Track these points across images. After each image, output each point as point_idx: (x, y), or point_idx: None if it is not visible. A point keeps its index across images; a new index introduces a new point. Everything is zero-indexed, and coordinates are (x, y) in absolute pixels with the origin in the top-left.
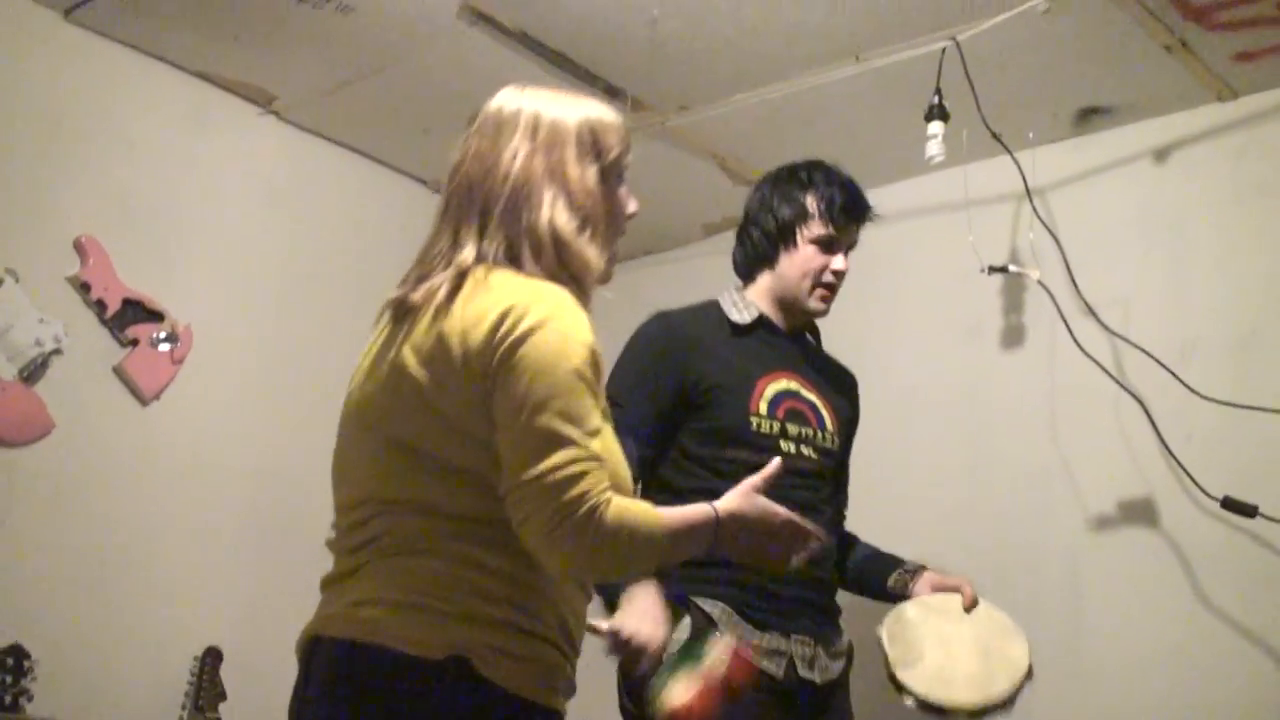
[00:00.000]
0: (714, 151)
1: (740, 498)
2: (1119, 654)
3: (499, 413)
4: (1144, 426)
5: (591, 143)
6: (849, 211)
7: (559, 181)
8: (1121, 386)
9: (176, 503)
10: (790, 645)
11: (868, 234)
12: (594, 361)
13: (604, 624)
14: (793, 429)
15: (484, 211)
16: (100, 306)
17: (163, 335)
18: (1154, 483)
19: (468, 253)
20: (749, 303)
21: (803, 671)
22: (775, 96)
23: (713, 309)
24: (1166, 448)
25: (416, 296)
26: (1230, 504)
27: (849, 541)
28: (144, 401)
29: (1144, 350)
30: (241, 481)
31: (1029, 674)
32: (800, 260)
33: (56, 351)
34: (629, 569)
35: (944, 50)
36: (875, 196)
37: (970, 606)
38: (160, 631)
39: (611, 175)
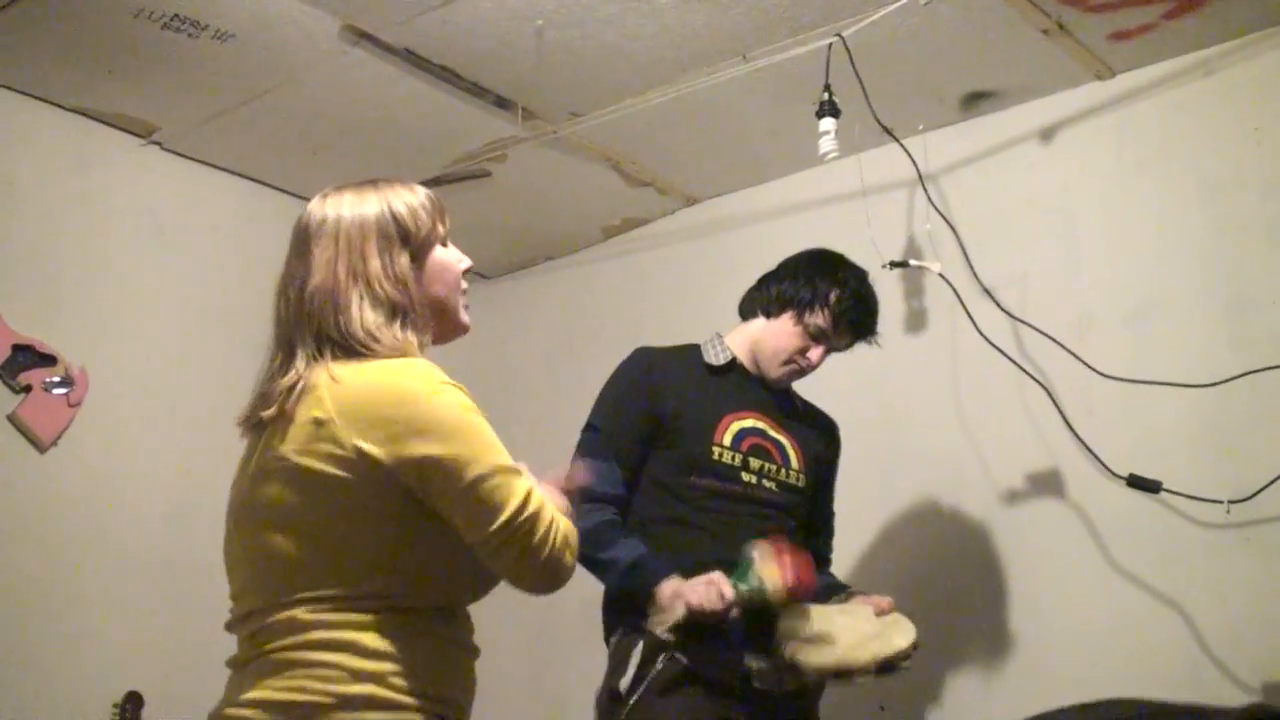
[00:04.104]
0: (608, 155)
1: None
2: (1035, 628)
3: (432, 483)
4: (1048, 406)
5: (396, 230)
6: (854, 324)
7: (362, 281)
8: (1022, 370)
9: (84, 548)
10: (744, 661)
11: (770, 228)
12: (466, 395)
13: (673, 617)
14: (755, 463)
15: (308, 325)
16: None
17: (57, 379)
18: (1061, 461)
19: (302, 363)
20: (725, 348)
21: (756, 684)
22: (666, 99)
23: (692, 350)
24: (1070, 427)
25: (269, 412)
26: (1135, 481)
27: (820, 575)
28: (41, 448)
29: (1041, 331)
30: (151, 523)
31: (899, 656)
32: (787, 333)
33: None
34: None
35: (830, 46)
36: (772, 190)
37: (882, 613)
38: (78, 679)
39: (428, 251)
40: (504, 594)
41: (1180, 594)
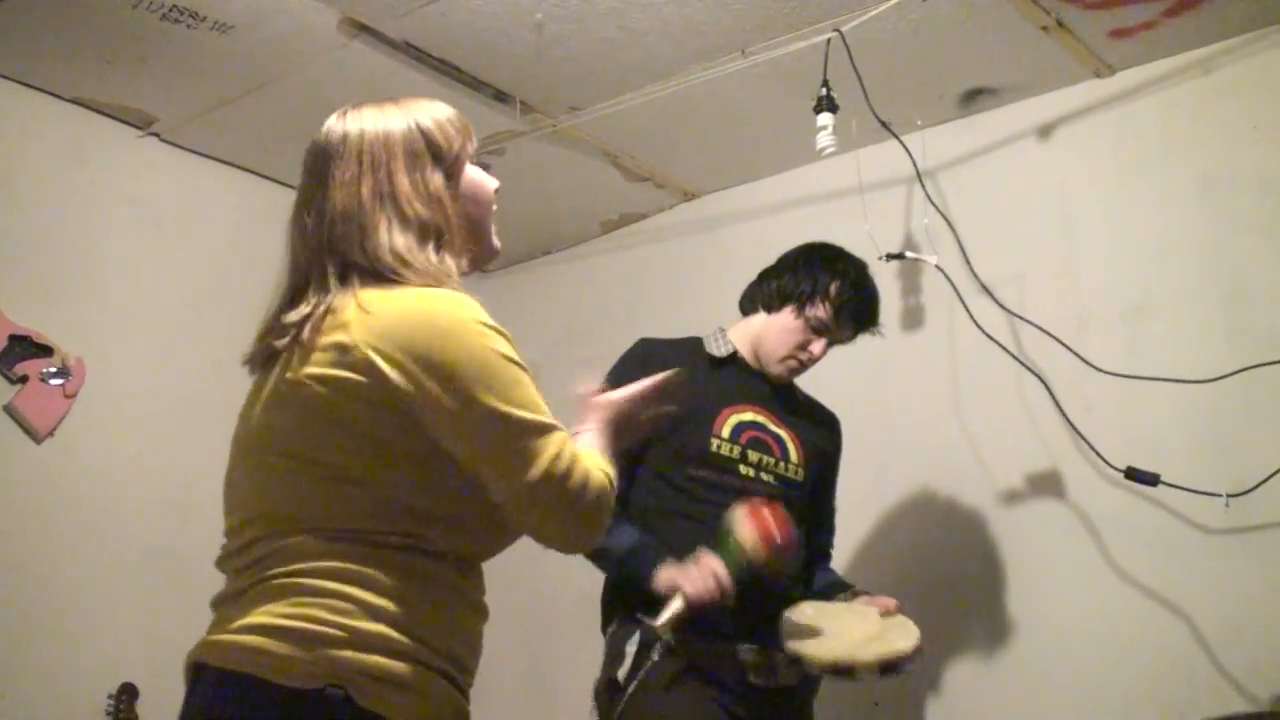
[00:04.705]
0: (606, 150)
1: (599, 409)
2: (1032, 622)
3: (461, 433)
4: (1046, 401)
5: (426, 146)
6: (855, 314)
7: (390, 201)
8: (1021, 364)
9: (81, 539)
10: (739, 654)
11: (767, 224)
12: (509, 343)
13: (668, 613)
14: (753, 455)
15: (329, 252)
16: None
17: (53, 370)
18: (1059, 455)
19: (323, 293)
20: (727, 341)
21: (752, 678)
22: (664, 94)
23: (694, 342)
24: (1068, 421)
25: (283, 341)
26: (1133, 474)
27: (821, 570)
28: (38, 439)
29: (1040, 327)
30: (147, 514)
31: (904, 658)
32: (788, 327)
33: None
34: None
35: (829, 41)
36: (770, 185)
37: (887, 614)
38: (73, 671)
39: (459, 169)
40: (499, 584)
41: (1177, 589)
